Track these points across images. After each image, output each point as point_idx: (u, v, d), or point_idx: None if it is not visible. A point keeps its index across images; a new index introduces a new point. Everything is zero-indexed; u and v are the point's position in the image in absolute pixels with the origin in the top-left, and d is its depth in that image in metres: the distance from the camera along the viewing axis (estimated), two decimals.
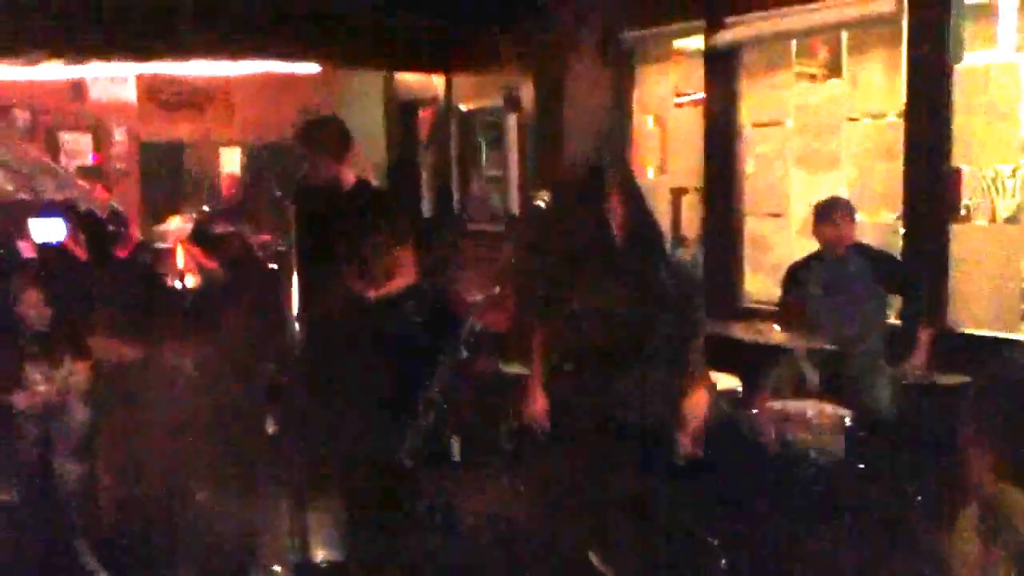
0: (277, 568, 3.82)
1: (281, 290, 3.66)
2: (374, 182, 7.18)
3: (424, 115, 8.11)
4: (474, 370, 4.76)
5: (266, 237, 6.73)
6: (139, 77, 8.78)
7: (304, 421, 3.60)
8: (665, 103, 6.22)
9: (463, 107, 7.59)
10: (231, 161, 9.66)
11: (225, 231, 7.52)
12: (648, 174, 6.31)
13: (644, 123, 6.45)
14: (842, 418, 3.86)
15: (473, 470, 4.22)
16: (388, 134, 8.28)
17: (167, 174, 9.49)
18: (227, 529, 4.10)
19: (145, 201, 8.92)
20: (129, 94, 8.82)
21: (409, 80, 8.06)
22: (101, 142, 8.71)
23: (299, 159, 3.63)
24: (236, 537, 4.09)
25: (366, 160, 8.11)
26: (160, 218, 8.83)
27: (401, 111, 8.23)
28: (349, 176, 3.75)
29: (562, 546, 3.03)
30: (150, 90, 8.87)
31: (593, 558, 2.86)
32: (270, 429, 4.43)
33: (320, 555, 3.79)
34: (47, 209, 7.06)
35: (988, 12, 4.66)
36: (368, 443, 3.48)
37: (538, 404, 3.06)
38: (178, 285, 6.94)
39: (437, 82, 7.71)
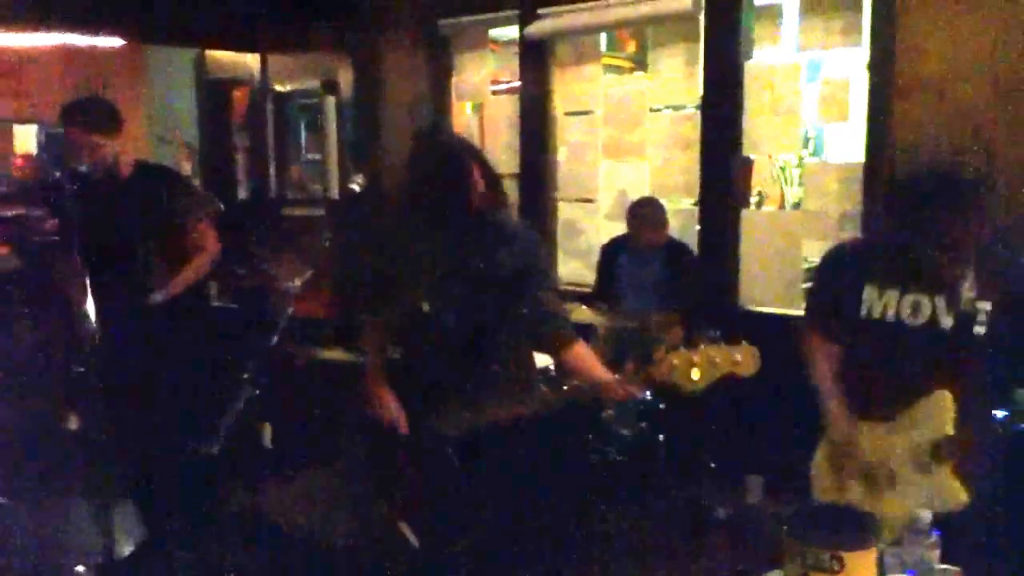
0: (80, 569, 3.69)
1: (74, 281, 3.51)
2: (182, 161, 6.90)
3: (239, 95, 7.88)
4: (289, 357, 4.74)
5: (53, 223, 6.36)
6: None
7: (105, 417, 3.48)
8: (482, 91, 6.33)
9: (280, 88, 7.43)
10: (26, 140, 9.01)
11: (17, 214, 7.05)
12: None
13: (462, 110, 6.54)
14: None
15: (286, 459, 4.20)
16: (200, 114, 7.98)
17: None
18: (30, 530, 3.93)
19: None
20: None
21: (222, 58, 7.80)
22: None
23: (68, 141, 3.45)
24: (37, 538, 3.93)
25: (179, 140, 7.80)
26: None
27: (214, 90, 7.96)
28: (126, 159, 3.62)
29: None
30: None
31: (404, 528, 2.89)
32: (72, 426, 4.24)
33: (125, 554, 3.69)
34: None
35: (775, 13, 5.04)
36: (172, 437, 3.40)
37: (384, 398, 2.89)
38: None
39: (252, 61, 7.50)
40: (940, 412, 2.62)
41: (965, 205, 2.54)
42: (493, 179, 2.80)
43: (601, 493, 4.27)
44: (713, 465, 4.66)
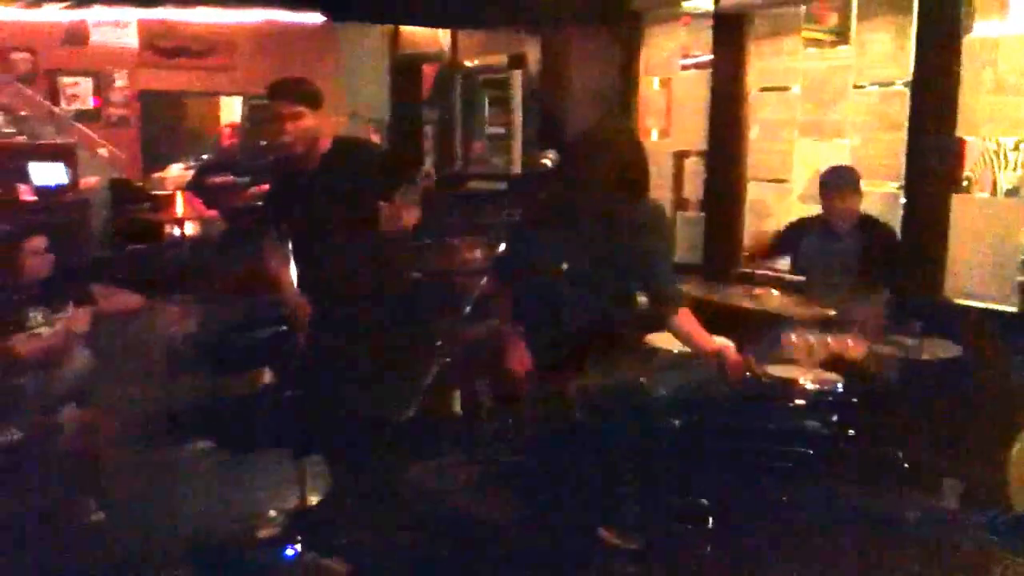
0: (272, 512, 3.92)
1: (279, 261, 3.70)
2: (369, 137, 7.12)
3: (429, 71, 8.05)
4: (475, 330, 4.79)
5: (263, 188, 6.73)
6: (140, 23, 8.69)
7: (309, 379, 3.64)
8: (671, 65, 6.18)
9: (467, 63, 7.53)
10: (231, 111, 9.60)
11: (224, 181, 7.51)
12: (652, 136, 6.30)
13: (650, 85, 6.41)
14: (834, 384, 3.91)
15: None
16: (392, 90, 8.22)
17: (167, 122, 9.45)
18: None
19: (144, 149, 8.88)
20: (131, 40, 8.74)
21: (414, 34, 7.99)
22: (101, 87, 8.65)
23: (272, 115, 3.59)
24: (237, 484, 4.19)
25: (369, 115, 8.07)
26: (159, 166, 8.81)
27: (406, 66, 8.17)
28: (325, 135, 3.70)
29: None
30: (152, 37, 8.79)
31: (604, 534, 2.91)
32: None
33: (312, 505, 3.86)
34: (47, 153, 7.05)
35: None
36: (368, 402, 3.51)
37: (520, 353, 2.95)
38: (176, 233, 6.95)
39: (442, 37, 7.64)
40: None
41: None
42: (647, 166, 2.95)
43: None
44: (906, 465, 4.37)
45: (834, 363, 3.14)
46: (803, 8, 5.57)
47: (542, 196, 3.12)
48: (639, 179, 2.89)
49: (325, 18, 7.71)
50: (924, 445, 4.27)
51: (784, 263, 5.01)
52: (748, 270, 5.46)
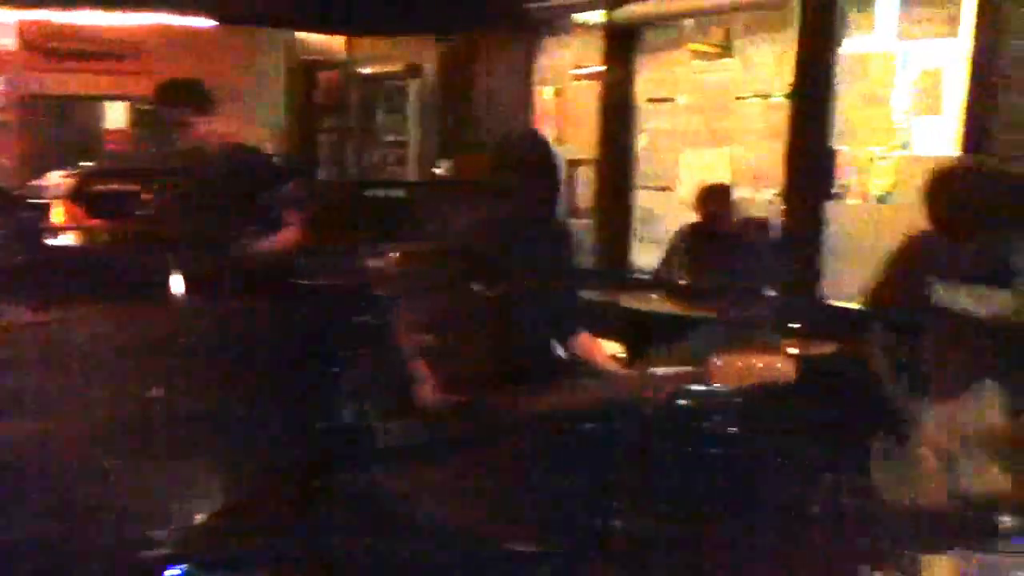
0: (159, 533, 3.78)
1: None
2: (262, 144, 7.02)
3: (325, 78, 8.00)
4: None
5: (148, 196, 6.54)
6: (22, 24, 8.38)
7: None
8: (564, 76, 6.32)
9: (364, 70, 7.53)
10: (118, 116, 9.31)
11: (109, 189, 7.28)
12: None
13: (543, 95, 6.54)
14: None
15: None
16: (287, 96, 8.13)
17: (49, 126, 9.11)
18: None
19: (25, 154, 8.54)
20: (9, 41, 8.41)
21: (312, 41, 7.93)
22: None
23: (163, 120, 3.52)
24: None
25: (263, 121, 7.96)
26: (40, 173, 8.48)
27: (302, 73, 8.10)
28: (216, 139, 3.65)
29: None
30: (35, 38, 8.48)
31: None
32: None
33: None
34: None
35: (869, 0, 4.91)
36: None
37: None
38: (58, 243, 6.69)
39: (340, 44, 7.61)
40: None
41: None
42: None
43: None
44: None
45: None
46: (691, 23, 5.78)
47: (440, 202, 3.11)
48: (554, 194, 2.86)
49: (218, 22, 7.58)
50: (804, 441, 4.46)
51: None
52: (639, 275, 5.61)
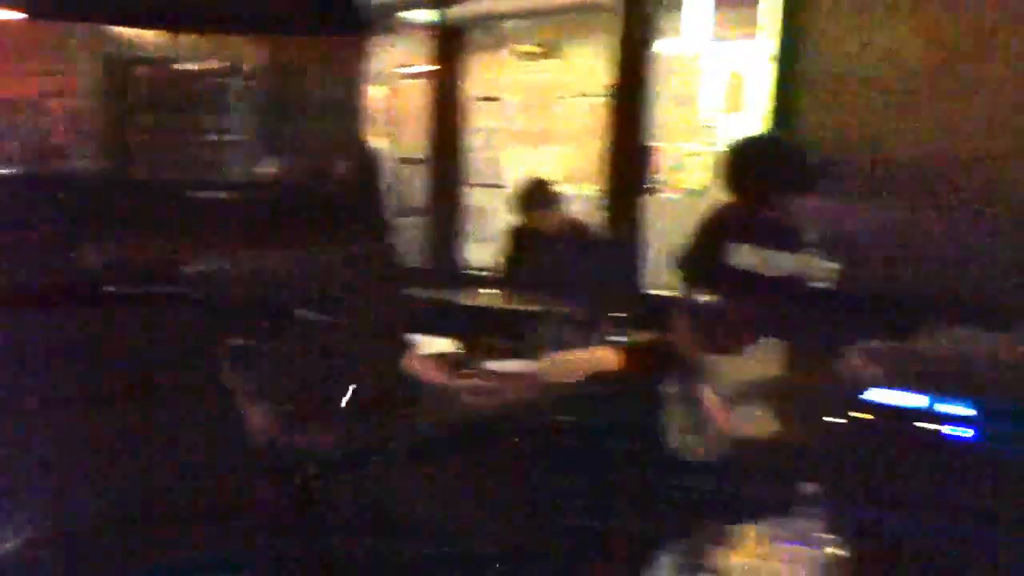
0: None
1: None
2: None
3: (141, 73, 7.65)
4: None
5: None
6: None
7: None
8: (393, 75, 6.31)
9: (185, 67, 7.25)
10: None
11: None
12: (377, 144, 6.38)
13: (373, 93, 6.50)
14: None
15: None
16: (100, 93, 7.73)
17: None
18: None
19: None
20: None
21: (126, 35, 7.57)
22: None
23: None
24: None
25: (73, 120, 7.53)
26: None
27: (116, 68, 7.71)
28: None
29: None
30: None
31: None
32: None
33: None
34: None
35: (679, 3, 5.17)
36: None
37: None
38: None
39: (156, 39, 7.30)
40: None
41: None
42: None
43: None
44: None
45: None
46: (517, 23, 5.91)
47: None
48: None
49: (24, 15, 7.11)
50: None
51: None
52: (471, 272, 5.69)
